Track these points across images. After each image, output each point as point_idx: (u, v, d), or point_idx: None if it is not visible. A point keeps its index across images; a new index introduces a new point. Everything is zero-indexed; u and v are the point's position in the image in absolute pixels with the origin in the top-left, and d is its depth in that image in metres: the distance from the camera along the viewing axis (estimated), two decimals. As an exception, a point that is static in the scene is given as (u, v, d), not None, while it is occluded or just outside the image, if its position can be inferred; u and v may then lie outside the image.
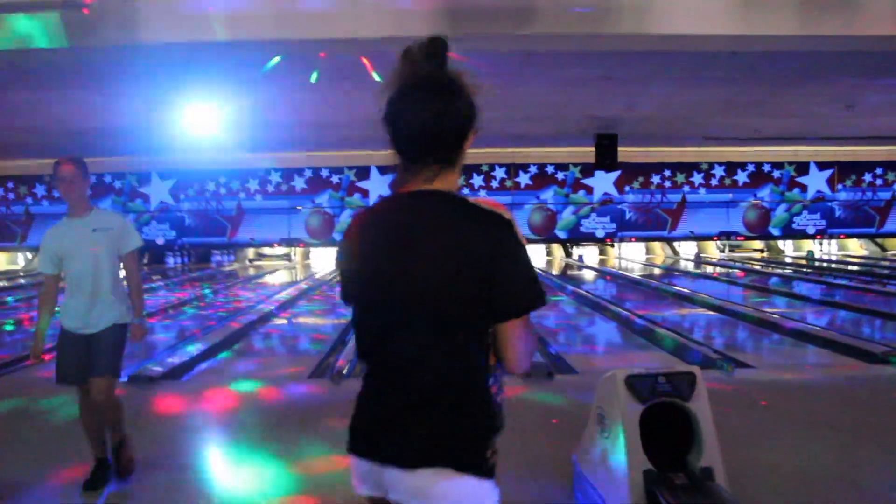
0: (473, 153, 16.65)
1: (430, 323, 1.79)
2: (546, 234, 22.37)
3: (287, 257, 24.08)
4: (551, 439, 4.89)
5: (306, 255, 23.86)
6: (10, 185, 22.20)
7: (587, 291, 14.21)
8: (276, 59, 9.81)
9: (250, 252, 24.05)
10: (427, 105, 1.82)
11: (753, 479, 3.97)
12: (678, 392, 2.91)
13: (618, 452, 2.94)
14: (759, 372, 7.04)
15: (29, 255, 23.30)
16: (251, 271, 21.21)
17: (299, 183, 22.08)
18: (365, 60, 10.05)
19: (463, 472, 1.76)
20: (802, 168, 22.36)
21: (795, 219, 22.50)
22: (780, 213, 22.49)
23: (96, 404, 4.21)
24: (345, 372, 6.84)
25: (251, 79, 10.91)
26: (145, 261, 23.13)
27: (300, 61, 10.08)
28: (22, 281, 18.79)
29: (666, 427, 2.93)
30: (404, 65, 1.86)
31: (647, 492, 2.77)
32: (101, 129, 15.64)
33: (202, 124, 13.91)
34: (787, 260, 22.43)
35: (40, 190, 22.18)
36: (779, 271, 19.25)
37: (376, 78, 10.94)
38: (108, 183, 22.14)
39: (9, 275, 20.80)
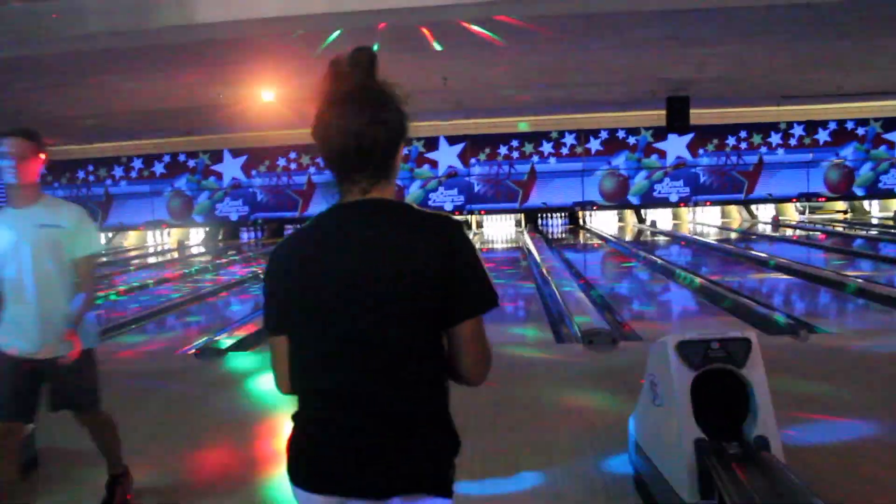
0: (542, 119, 16.77)
1: (385, 342, 1.72)
2: (618, 200, 22.10)
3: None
4: (610, 405, 4.83)
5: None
6: (91, 167, 22.89)
7: (660, 257, 13.96)
8: (336, 33, 9.83)
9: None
10: (356, 117, 1.77)
11: (814, 452, 3.84)
12: (732, 358, 2.80)
13: (669, 420, 2.86)
14: (837, 338, 6.79)
15: (110, 235, 24.06)
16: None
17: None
18: (425, 30, 9.99)
19: (433, 495, 1.74)
20: (890, 124, 21.46)
21: (882, 177, 21.64)
22: (864, 171, 21.66)
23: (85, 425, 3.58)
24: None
25: (310, 56, 11.01)
26: (220, 236, 23.70)
27: (358, 35, 10.10)
28: (103, 259, 19.40)
29: (720, 394, 2.84)
30: (332, 77, 1.83)
31: (698, 461, 2.69)
32: (170, 109, 15.96)
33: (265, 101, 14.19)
34: (873, 221, 21.62)
35: (118, 171, 22.83)
36: (863, 233, 18.61)
37: (437, 47, 10.89)
38: (181, 162, 22.65)
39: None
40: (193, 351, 7.06)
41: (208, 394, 5.72)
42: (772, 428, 2.78)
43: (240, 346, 7.24)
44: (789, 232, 19.46)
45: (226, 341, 7.30)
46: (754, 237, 18.71)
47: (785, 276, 11.24)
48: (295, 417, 1.81)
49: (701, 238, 18.41)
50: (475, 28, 9.64)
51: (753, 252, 14.43)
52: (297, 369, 1.81)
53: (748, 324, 7.56)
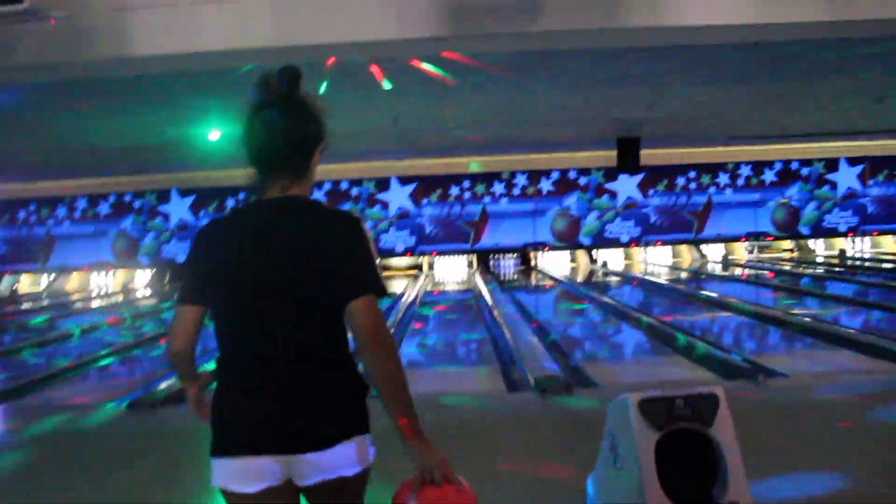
0: (493, 160, 16.58)
1: (295, 309, 2.01)
2: (570, 241, 21.95)
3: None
4: (566, 461, 4.54)
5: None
6: (32, 207, 22.19)
7: (613, 298, 13.82)
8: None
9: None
10: (276, 123, 2.10)
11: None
12: (699, 417, 2.55)
13: (631, 486, 2.59)
14: (791, 381, 6.61)
15: (51, 277, 23.32)
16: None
17: (318, 195, 21.74)
18: (374, 68, 9.78)
19: (360, 434, 2.06)
20: (832, 164, 21.76)
21: (826, 217, 21.89)
22: (809, 211, 21.89)
23: None
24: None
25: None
26: (167, 278, 23.09)
27: (308, 71, 9.84)
28: (45, 302, 18.77)
29: (687, 456, 2.57)
30: (260, 89, 2.14)
31: (665, 532, 2.42)
32: (116, 147, 15.52)
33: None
34: (819, 259, 21.83)
35: (61, 211, 22.17)
36: (810, 271, 18.73)
37: (387, 86, 10.68)
38: (127, 202, 22.05)
39: (32, 296, 20.82)
40: (126, 404, 6.62)
41: (136, 450, 5.31)
42: (744, 492, 2.52)
43: (178, 398, 6.81)
44: (738, 271, 19.52)
45: (163, 392, 6.88)
46: (704, 276, 18.72)
47: (735, 315, 11.17)
48: (216, 389, 2.08)
49: (652, 278, 18.36)
50: (425, 66, 9.45)
51: (704, 292, 14.38)
52: (218, 341, 2.11)
53: (703, 367, 7.37)
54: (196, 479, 4.54)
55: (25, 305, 18.29)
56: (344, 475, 2.05)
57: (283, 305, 2.02)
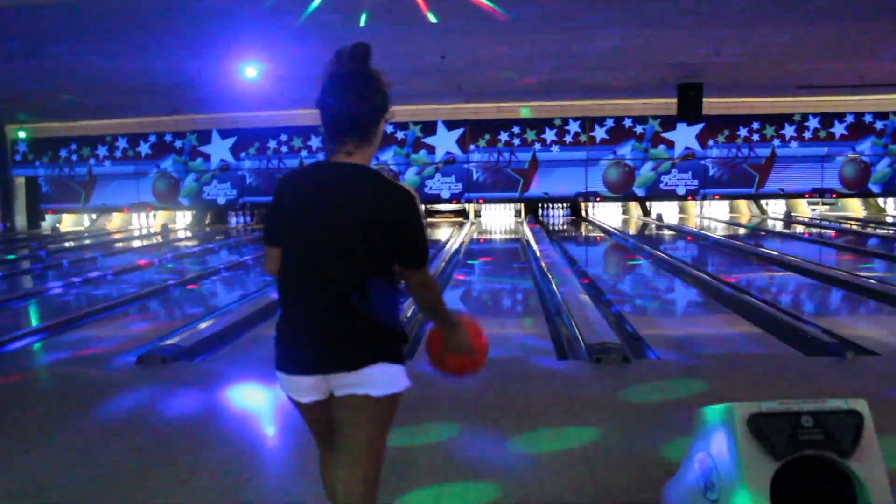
0: (544, 106, 15.90)
1: (347, 262, 2.37)
2: (623, 192, 21.25)
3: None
4: (624, 451, 3.86)
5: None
6: (73, 146, 21.89)
7: (667, 253, 13.04)
8: (316, 2, 8.84)
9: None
10: (345, 94, 2.40)
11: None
12: (833, 442, 1.84)
13: (734, 529, 1.89)
14: (888, 362, 5.75)
15: (94, 217, 23.12)
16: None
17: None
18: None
19: (388, 362, 2.43)
20: (910, 117, 20.56)
21: (901, 174, 20.80)
22: (881, 167, 20.75)
23: None
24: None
25: (292, 28, 10.03)
26: (207, 220, 22.76)
27: (344, 4, 9.11)
28: (87, 241, 18.50)
29: (812, 493, 1.87)
30: (334, 63, 2.44)
31: None
32: (152, 84, 14.99)
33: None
34: (889, 220, 20.66)
35: (102, 151, 21.85)
36: (881, 232, 17.67)
37: (432, 19, 9.90)
38: (168, 142, 21.66)
39: (74, 235, 20.62)
40: (135, 359, 6.08)
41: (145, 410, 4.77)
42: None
43: (191, 352, 6.26)
44: (801, 229, 18.52)
45: (176, 345, 6.33)
46: (764, 233, 17.78)
47: (811, 280, 10.31)
48: (279, 316, 2.49)
49: (709, 233, 17.47)
50: (474, -4, 8.65)
51: (764, 249, 13.49)
52: (282, 273, 2.48)
53: (780, 339, 6.61)
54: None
55: (67, 244, 18.06)
56: (370, 394, 2.41)
57: (338, 257, 2.38)
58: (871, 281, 9.59)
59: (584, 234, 18.89)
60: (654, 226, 20.13)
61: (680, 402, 4.66)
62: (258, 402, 5.14)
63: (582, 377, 5.29)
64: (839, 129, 20.68)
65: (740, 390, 4.88)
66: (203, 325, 7.37)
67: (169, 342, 6.43)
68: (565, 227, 20.41)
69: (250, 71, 13.32)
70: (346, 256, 2.37)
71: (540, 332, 7.15)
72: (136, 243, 18.60)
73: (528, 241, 15.12)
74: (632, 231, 18.92)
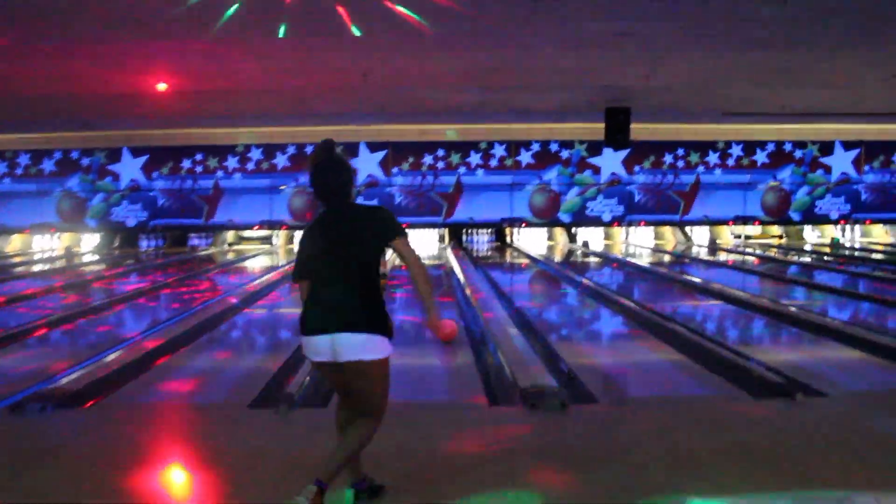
0: (471, 128, 15.65)
1: (353, 261, 3.58)
2: (549, 218, 21.15)
3: (268, 240, 22.74)
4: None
5: (290, 239, 22.49)
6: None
7: (592, 280, 12.84)
8: (234, 7, 8.32)
9: (229, 235, 22.71)
10: (332, 175, 3.67)
11: None
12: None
13: None
14: (835, 403, 5.41)
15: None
16: (230, 256, 19.85)
17: (281, 161, 20.72)
18: (341, 9, 8.54)
19: (380, 334, 3.53)
20: (827, 147, 21.03)
21: (818, 202, 21.21)
22: (801, 196, 21.17)
23: None
24: (296, 397, 5.40)
25: (208, 40, 9.50)
26: (116, 243, 21.80)
27: (263, 12, 8.60)
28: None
29: None
30: (313, 158, 3.70)
31: None
32: (53, 97, 14.16)
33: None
34: (807, 248, 21.00)
35: (1, 167, 20.69)
36: (801, 259, 17.87)
37: (355, 32, 9.46)
38: (74, 159, 20.70)
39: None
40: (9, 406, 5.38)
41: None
42: None
43: (80, 397, 5.60)
44: (724, 256, 18.63)
45: (62, 388, 5.67)
46: (689, 260, 17.81)
47: (723, 303, 10.23)
48: (304, 306, 3.66)
49: (634, 260, 17.41)
50: (400, 9, 8.23)
51: (688, 276, 13.41)
52: (310, 273, 3.67)
53: (694, 359, 6.35)
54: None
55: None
56: (363, 359, 3.47)
57: (345, 264, 3.58)
58: (793, 309, 9.54)
59: (509, 260, 18.69)
60: (579, 252, 20.06)
61: (627, 454, 4.28)
62: (155, 456, 4.57)
63: (518, 427, 4.86)
64: (761, 157, 21.04)
65: (695, 439, 4.51)
66: (100, 363, 6.73)
67: (54, 385, 5.75)
68: (490, 253, 20.20)
69: (162, 84, 12.70)
70: (355, 261, 3.56)
71: (467, 369, 6.78)
72: (37, 268, 17.61)
73: (451, 268, 14.80)
74: (557, 258, 18.78)
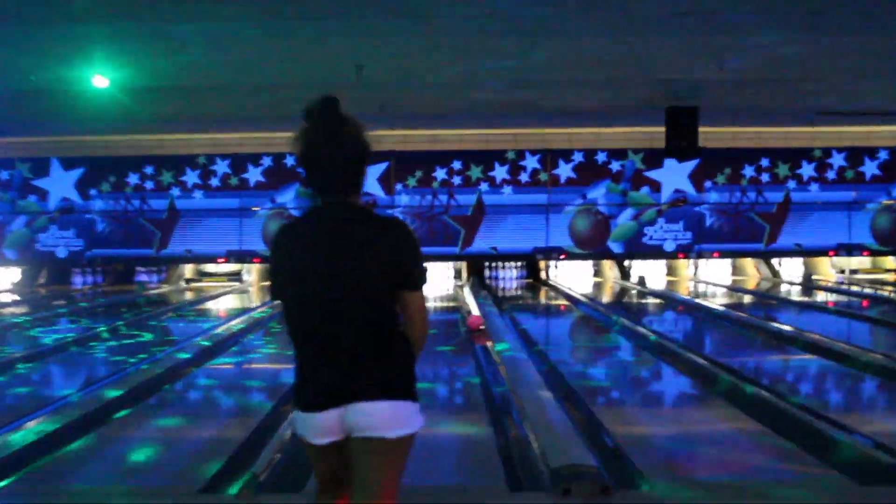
0: (495, 134, 16.03)
1: (353, 303, 3.17)
2: (595, 248, 21.34)
3: (237, 277, 22.94)
4: None
5: (265, 276, 22.68)
6: None
7: (651, 328, 12.90)
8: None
9: (187, 269, 22.94)
10: (335, 148, 3.22)
11: None
12: None
13: None
14: None
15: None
16: (189, 296, 20.03)
17: (254, 175, 20.94)
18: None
19: (410, 399, 3.26)
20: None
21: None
22: (928, 218, 21.32)
23: None
24: (262, 478, 5.45)
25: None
26: (42, 279, 22.01)
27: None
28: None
29: None
30: (307, 120, 3.25)
31: None
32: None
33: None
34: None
35: None
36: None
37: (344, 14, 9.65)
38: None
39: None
40: None
41: None
42: None
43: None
44: (823, 296, 18.66)
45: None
46: (776, 302, 17.84)
47: (860, 372, 10.13)
48: (295, 359, 3.31)
49: (706, 302, 17.44)
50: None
51: (777, 324, 13.42)
52: (290, 325, 3.31)
53: (809, 451, 6.35)
54: None
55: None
56: (385, 436, 3.14)
57: (346, 295, 3.16)
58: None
59: (543, 302, 18.76)
60: (634, 292, 20.14)
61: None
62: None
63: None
64: (871, 168, 21.15)
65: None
66: (14, 432, 6.81)
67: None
68: (519, 292, 20.28)
69: (101, 80, 12.95)
70: (360, 293, 3.17)
71: (484, 442, 6.84)
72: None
73: (469, 312, 14.87)
74: (606, 299, 18.87)
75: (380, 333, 3.22)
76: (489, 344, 11.08)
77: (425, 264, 3.38)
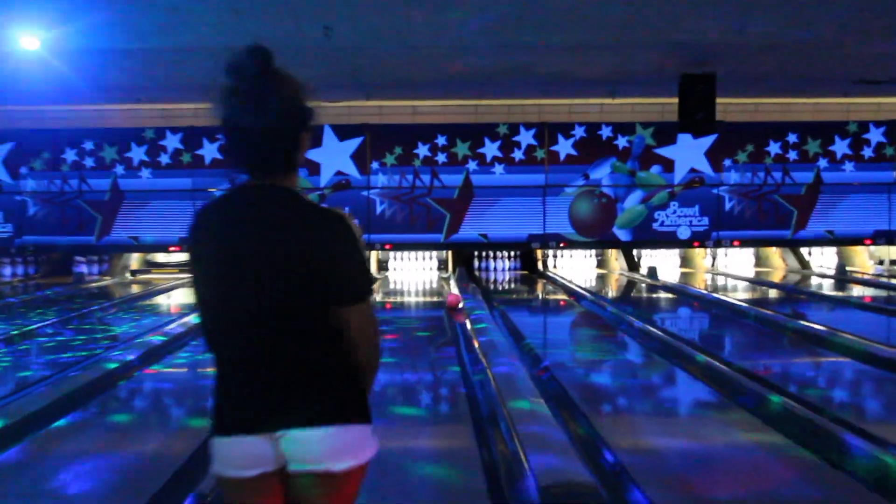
0: (486, 106, 16.06)
1: (280, 315, 2.93)
2: (598, 235, 21.27)
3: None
4: None
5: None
6: None
7: (663, 327, 12.86)
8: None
9: (133, 259, 22.88)
10: (261, 113, 2.90)
11: None
12: None
13: None
14: None
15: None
16: (135, 289, 19.98)
17: (210, 151, 20.91)
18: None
19: (359, 422, 3.02)
20: None
21: None
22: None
23: None
24: (209, 499, 5.39)
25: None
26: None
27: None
28: None
29: None
30: (231, 77, 2.93)
31: None
32: None
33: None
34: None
35: None
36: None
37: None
38: None
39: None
40: None
41: None
42: None
43: None
44: (857, 291, 18.70)
45: None
46: (805, 297, 17.85)
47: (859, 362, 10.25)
48: (215, 377, 3.07)
49: (725, 297, 17.42)
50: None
51: (807, 322, 13.41)
52: (207, 332, 3.09)
53: (860, 479, 6.28)
54: None
55: None
56: (331, 469, 2.93)
57: (270, 306, 2.93)
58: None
59: (540, 296, 18.76)
60: (643, 285, 20.21)
61: None
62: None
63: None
64: (913, 143, 21.27)
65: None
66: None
67: None
68: (513, 286, 20.27)
69: (28, 40, 12.84)
70: (291, 298, 2.93)
71: (466, 457, 6.82)
72: None
73: (449, 292, 14.88)
74: (611, 293, 18.87)
75: (316, 350, 2.99)
76: (476, 343, 11.04)
77: (374, 271, 3.13)
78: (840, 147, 21.03)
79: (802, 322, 13.70)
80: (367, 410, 3.06)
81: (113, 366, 10.21)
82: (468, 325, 12.58)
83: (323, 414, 2.92)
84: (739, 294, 18.41)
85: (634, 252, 22.59)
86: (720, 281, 21.33)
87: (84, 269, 22.44)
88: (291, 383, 2.92)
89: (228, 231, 2.96)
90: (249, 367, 2.94)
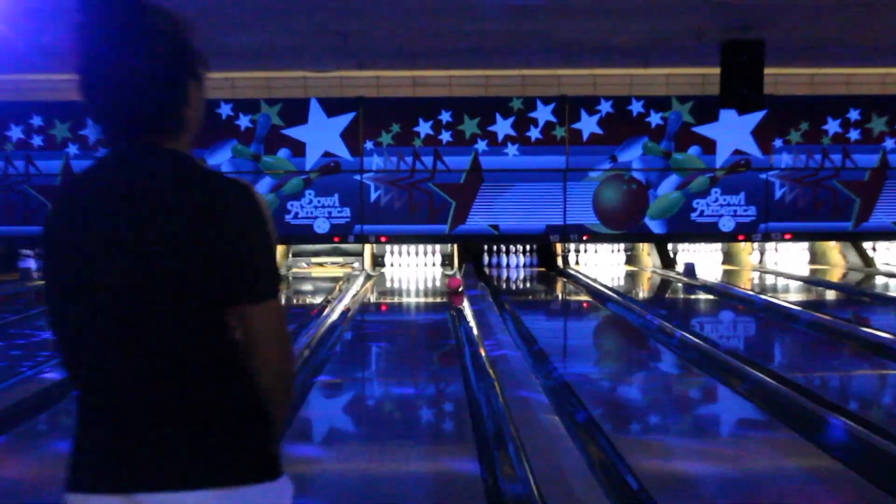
0: (496, 76, 16.15)
1: (154, 322, 2.49)
2: (628, 226, 21.40)
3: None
4: None
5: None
6: None
7: (701, 334, 12.93)
8: None
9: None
10: (118, 59, 2.50)
11: None
12: None
13: None
14: None
15: None
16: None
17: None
18: None
19: (255, 482, 2.52)
20: None
21: None
22: None
23: None
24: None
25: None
26: None
27: None
28: None
29: None
30: (85, 12, 2.50)
31: None
32: None
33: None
34: None
35: None
36: None
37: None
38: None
39: None
40: None
41: None
42: None
43: None
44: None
45: None
46: (869, 298, 17.90)
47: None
48: (75, 421, 2.64)
49: (775, 299, 17.47)
50: None
51: (869, 328, 13.48)
52: (61, 352, 2.66)
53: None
54: None
55: None
56: None
57: (141, 309, 2.48)
58: None
59: (560, 297, 18.80)
60: (680, 286, 20.25)
61: None
62: None
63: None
64: None
65: None
66: None
67: None
68: (528, 285, 20.32)
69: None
70: (167, 301, 2.49)
71: (468, 485, 6.88)
72: None
73: (461, 311, 14.94)
74: (643, 293, 18.91)
75: (200, 377, 2.53)
76: (482, 350, 11.11)
77: (282, 262, 2.79)
78: (910, 124, 21.20)
79: (865, 329, 13.69)
80: (274, 462, 2.60)
81: (58, 375, 10.26)
82: (475, 332, 12.63)
83: (203, 470, 2.47)
84: (791, 296, 18.46)
85: (669, 247, 22.67)
86: (769, 280, 21.43)
87: (32, 263, 22.51)
88: (159, 424, 2.48)
89: (87, 215, 2.52)
90: (107, 401, 2.53)
